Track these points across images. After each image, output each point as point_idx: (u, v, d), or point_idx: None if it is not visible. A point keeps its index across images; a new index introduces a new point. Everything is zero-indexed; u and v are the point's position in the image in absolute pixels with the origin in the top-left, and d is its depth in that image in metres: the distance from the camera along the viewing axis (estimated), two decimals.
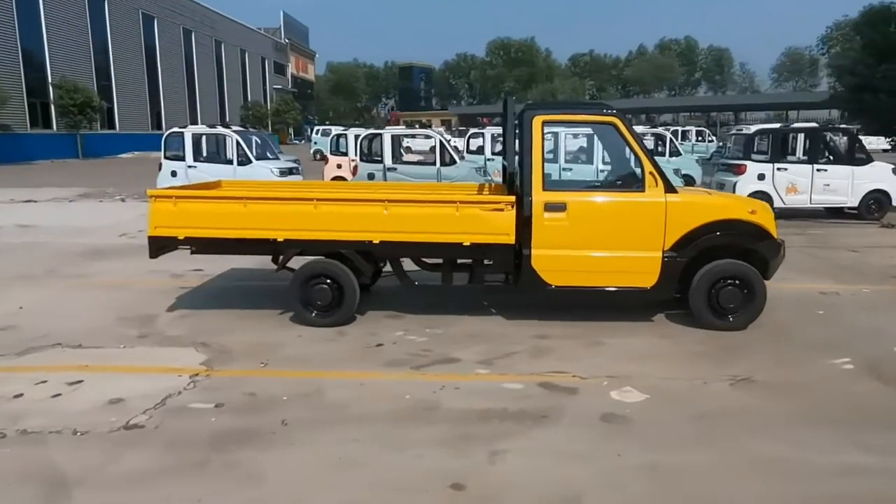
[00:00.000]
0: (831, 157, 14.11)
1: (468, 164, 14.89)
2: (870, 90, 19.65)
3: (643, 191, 5.98)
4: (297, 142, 68.76)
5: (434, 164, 14.58)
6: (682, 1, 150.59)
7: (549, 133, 14.42)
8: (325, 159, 19.31)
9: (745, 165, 13.76)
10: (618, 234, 6.02)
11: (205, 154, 15.67)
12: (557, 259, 6.04)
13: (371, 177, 14.61)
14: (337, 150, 19.94)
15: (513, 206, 6.03)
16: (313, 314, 6.32)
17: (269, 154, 15.98)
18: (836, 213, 14.61)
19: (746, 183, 13.59)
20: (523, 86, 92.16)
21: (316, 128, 44.80)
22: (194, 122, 40.14)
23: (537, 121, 6.06)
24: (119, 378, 5.07)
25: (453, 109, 78.55)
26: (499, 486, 3.50)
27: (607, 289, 6.16)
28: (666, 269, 6.01)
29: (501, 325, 6.40)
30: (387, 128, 17.34)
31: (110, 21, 45.20)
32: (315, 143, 38.83)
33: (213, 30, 62.09)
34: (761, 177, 13.62)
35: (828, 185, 13.68)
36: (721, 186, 14.00)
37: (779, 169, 13.69)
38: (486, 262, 6.27)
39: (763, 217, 6.08)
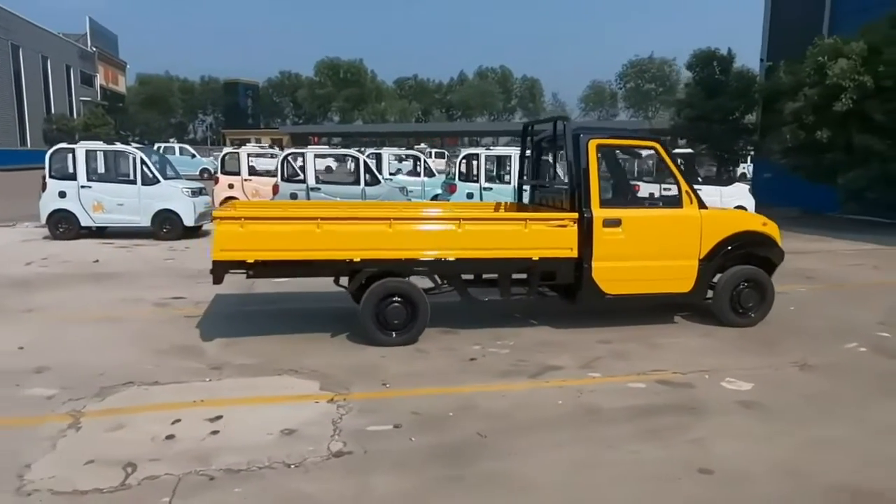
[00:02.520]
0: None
1: (390, 184, 15.07)
2: (704, 120, 22.97)
3: (681, 207, 6.82)
4: None
5: (358, 183, 14.59)
6: (497, 32, 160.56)
7: (471, 155, 15.15)
8: (214, 179, 18.27)
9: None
10: (664, 245, 6.80)
11: (101, 172, 14.19)
12: (614, 270, 6.66)
13: (294, 196, 14.25)
14: (224, 170, 19.01)
15: (575, 223, 6.55)
16: (391, 333, 6.30)
17: (169, 173, 14.86)
18: None
19: None
20: (353, 106, 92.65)
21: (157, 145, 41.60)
22: None
23: (592, 144, 6.66)
24: (256, 410, 4.78)
25: (286, 128, 76.67)
26: (738, 467, 3.97)
27: (653, 295, 6.91)
28: (700, 275, 6.89)
29: (558, 334, 6.85)
30: (309, 147, 16.93)
31: None
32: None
33: (9, 32, 54.96)
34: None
35: None
36: None
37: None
38: (549, 275, 6.67)
39: (771, 228, 7.20)
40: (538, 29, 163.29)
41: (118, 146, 14.16)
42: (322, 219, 6.12)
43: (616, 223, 6.62)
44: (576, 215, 6.55)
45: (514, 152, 15.64)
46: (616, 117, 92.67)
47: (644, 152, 6.86)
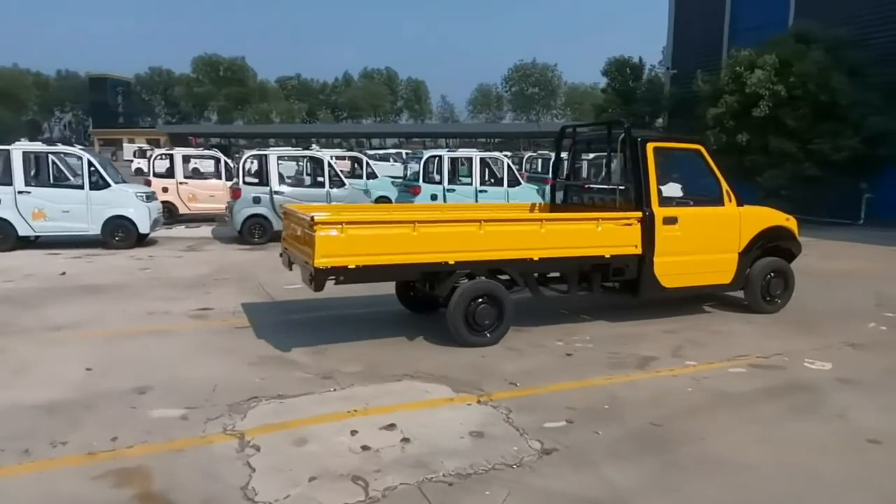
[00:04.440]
0: (492, 180, 16.07)
1: (354, 187, 14.84)
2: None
3: (723, 205, 7.42)
4: None
5: (322, 186, 14.25)
6: (380, 33, 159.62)
7: (435, 156, 15.30)
8: (146, 182, 17.06)
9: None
10: (711, 240, 7.36)
11: (41, 177, 12.88)
12: (672, 264, 7.12)
13: (256, 200, 13.68)
14: (156, 172, 17.88)
15: (639, 221, 6.94)
16: (484, 334, 6.37)
17: (115, 177, 13.76)
18: None
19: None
20: (234, 105, 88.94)
21: None
22: None
23: (650, 147, 7.08)
24: (420, 416, 4.73)
25: (164, 128, 71.89)
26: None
27: (701, 286, 7.46)
28: (739, 267, 7.52)
29: (622, 328, 7.19)
30: (270, 149, 16.20)
31: None
32: None
33: None
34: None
35: None
36: None
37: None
38: (616, 271, 6.99)
39: (792, 223, 7.97)
40: (423, 31, 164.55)
41: (61, 147, 12.95)
42: (419, 222, 6.09)
43: (673, 221, 7.08)
44: (640, 214, 6.94)
45: (474, 154, 15.99)
46: (502, 120, 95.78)
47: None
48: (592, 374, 5.66)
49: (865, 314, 7.90)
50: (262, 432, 4.39)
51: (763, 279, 7.74)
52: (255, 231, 13.69)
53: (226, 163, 18.13)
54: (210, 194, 17.76)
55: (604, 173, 8.42)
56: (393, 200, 16.83)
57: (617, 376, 5.63)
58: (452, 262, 6.19)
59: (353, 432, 4.40)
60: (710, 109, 18.54)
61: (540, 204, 8.74)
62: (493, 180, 16.10)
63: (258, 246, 13.33)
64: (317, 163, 14.63)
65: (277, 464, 3.95)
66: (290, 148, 20.51)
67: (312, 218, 5.69)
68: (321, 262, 5.70)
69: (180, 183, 17.64)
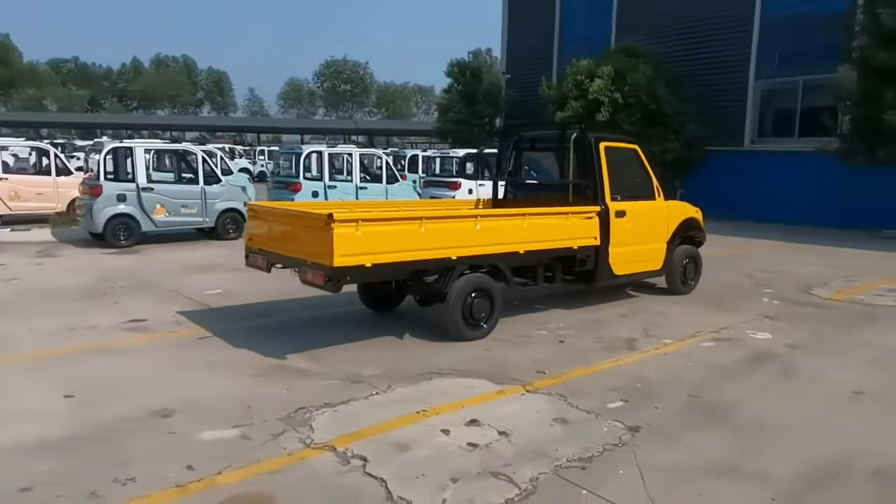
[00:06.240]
0: (367, 177, 15.81)
1: (230, 183, 13.80)
2: (465, 124, 25.55)
3: (654, 199, 8.25)
4: None
5: (196, 182, 13.13)
6: (177, 18, 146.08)
7: (314, 152, 14.91)
8: None
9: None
10: (650, 231, 8.15)
11: None
12: (623, 254, 7.76)
13: (121, 198, 12.22)
14: None
15: (597, 215, 7.49)
16: (480, 327, 6.46)
17: None
18: None
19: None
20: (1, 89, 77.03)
21: None
22: None
23: (602, 146, 7.66)
24: (488, 410, 4.75)
25: None
26: (868, 387, 5.39)
27: (640, 273, 8.22)
28: (667, 255, 8.42)
29: (580, 314, 7.65)
30: (135, 141, 14.30)
31: None
32: None
33: None
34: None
35: None
36: None
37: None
38: (582, 260, 7.45)
39: (699, 215, 9.05)
40: (224, 20, 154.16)
41: None
42: (426, 218, 6.02)
43: (623, 214, 7.73)
44: (599, 208, 7.48)
45: (354, 151, 15.74)
46: (315, 116, 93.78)
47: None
48: (597, 358, 6.04)
49: (751, 291, 9.24)
50: (349, 442, 4.14)
51: (681, 265, 8.73)
52: (120, 232, 12.22)
53: (56, 156, 15.84)
54: (38, 192, 15.44)
55: (555, 171, 8.77)
56: (252, 196, 15.82)
57: (620, 358, 6.07)
58: (455, 258, 6.21)
59: (445, 431, 4.31)
60: (557, 113, 20.07)
61: (483, 200, 8.96)
62: (368, 177, 15.98)
63: (127, 249, 11.94)
64: (189, 157, 13.41)
65: (402, 471, 3.78)
66: (158, 140, 18.47)
67: (331, 215, 5.38)
68: (340, 260, 5.40)
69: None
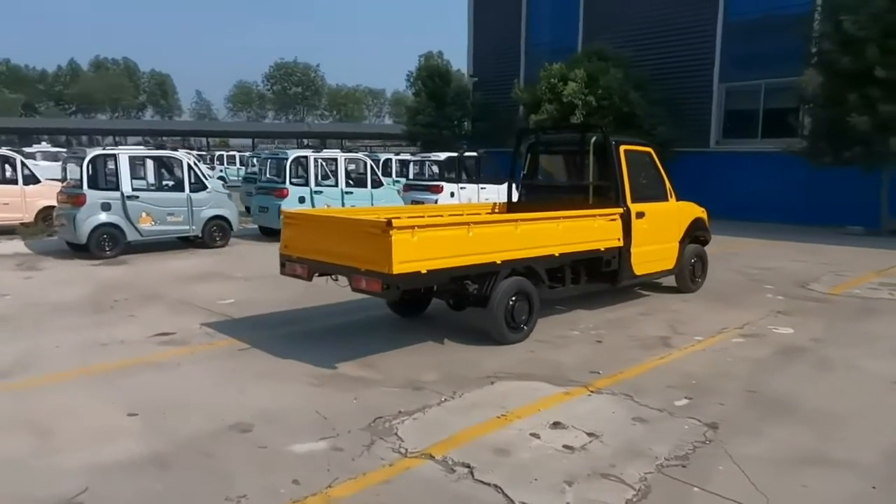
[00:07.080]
0: (351, 181, 15.68)
1: (216, 190, 13.47)
2: (435, 127, 25.59)
3: (667, 200, 8.47)
4: None
5: (181, 189, 12.77)
6: (117, 20, 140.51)
7: (300, 157, 14.73)
8: None
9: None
10: (665, 231, 8.36)
11: None
12: (642, 254, 7.95)
13: (106, 207, 11.78)
14: None
15: (619, 217, 7.65)
16: (521, 329, 6.52)
17: None
18: None
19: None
20: None
21: None
22: None
23: (622, 149, 7.83)
24: (564, 411, 4.80)
25: None
26: None
27: (657, 273, 8.42)
28: (679, 254, 8.66)
29: (602, 314, 7.81)
30: (119, 148, 13.73)
31: None
32: None
33: None
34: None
35: None
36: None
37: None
38: (608, 261, 7.58)
39: (706, 215, 9.33)
40: (166, 21, 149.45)
41: None
42: (473, 223, 6.04)
43: (642, 215, 7.91)
44: (621, 210, 7.64)
45: (339, 156, 15.59)
46: (265, 119, 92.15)
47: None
48: (642, 357, 6.17)
49: (753, 288, 9.58)
50: (445, 450, 4.14)
51: (690, 263, 8.99)
52: (104, 243, 11.78)
53: (23, 164, 15.13)
54: (4, 202, 14.74)
55: (571, 174, 8.86)
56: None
57: (664, 355, 6.22)
58: (499, 262, 6.25)
59: (535, 435, 4.35)
60: (531, 116, 20.31)
61: (498, 203, 9.02)
62: (352, 181, 15.84)
63: (112, 260, 11.53)
64: (174, 163, 13.03)
65: (513, 476, 3.80)
66: (141, 147, 17.83)
67: (390, 221, 5.34)
68: (399, 267, 5.37)
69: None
